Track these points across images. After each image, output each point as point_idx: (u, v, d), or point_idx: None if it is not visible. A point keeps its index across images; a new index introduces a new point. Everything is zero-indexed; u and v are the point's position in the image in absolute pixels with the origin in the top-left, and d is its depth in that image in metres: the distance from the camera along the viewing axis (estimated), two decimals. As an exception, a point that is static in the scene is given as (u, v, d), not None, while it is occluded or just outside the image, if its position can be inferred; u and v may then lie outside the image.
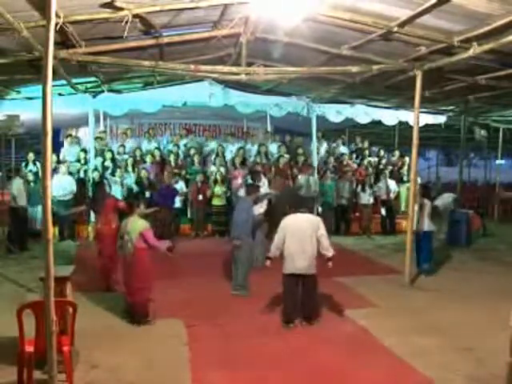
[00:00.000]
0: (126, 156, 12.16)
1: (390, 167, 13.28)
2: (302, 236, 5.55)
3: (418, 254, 8.10)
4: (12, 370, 4.16)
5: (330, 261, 5.63)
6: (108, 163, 11.58)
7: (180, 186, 11.21)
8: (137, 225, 5.65)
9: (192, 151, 12.32)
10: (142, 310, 5.71)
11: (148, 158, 12.00)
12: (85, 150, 12.02)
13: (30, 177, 10.49)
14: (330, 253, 5.61)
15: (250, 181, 11.10)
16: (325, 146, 14.00)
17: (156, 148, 12.48)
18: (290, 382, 4.41)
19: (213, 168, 11.92)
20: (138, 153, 12.20)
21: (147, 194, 11.08)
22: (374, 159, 13.96)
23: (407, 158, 13.65)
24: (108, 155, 11.72)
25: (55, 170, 10.73)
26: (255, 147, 13.00)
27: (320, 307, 5.99)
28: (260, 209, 8.32)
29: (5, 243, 9.60)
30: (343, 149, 14.31)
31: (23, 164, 11.61)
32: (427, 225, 8.10)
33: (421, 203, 8.02)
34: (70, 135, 12.93)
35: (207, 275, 7.84)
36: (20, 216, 9.91)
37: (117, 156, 12.10)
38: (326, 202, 12.00)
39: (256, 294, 6.79)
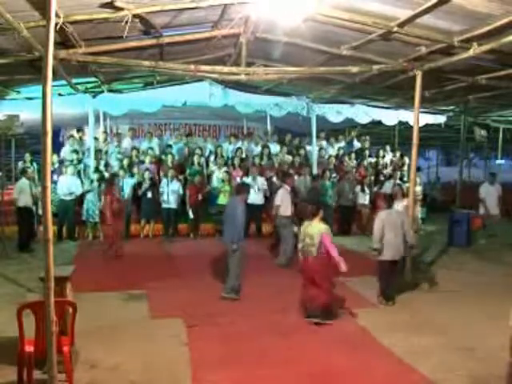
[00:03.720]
0: (120, 156, 12.06)
1: (399, 172, 13.23)
2: (394, 228, 6.41)
3: None
4: (12, 370, 4.16)
5: (413, 248, 6.80)
6: (103, 164, 11.52)
7: (177, 186, 11.16)
8: (319, 227, 5.77)
9: (194, 152, 12.28)
10: (320, 310, 5.76)
11: (147, 159, 11.93)
12: (76, 151, 11.91)
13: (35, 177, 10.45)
14: (412, 241, 6.60)
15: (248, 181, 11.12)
16: (324, 144, 13.96)
17: (150, 148, 12.37)
18: (289, 382, 4.41)
19: (222, 168, 11.83)
20: (134, 153, 12.10)
21: (149, 195, 11.07)
22: (373, 160, 13.93)
23: (406, 159, 13.63)
24: (103, 156, 11.69)
25: (54, 171, 10.70)
26: (258, 147, 12.98)
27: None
28: (287, 210, 8.74)
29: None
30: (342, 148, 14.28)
31: (19, 164, 11.55)
32: None
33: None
34: (72, 136, 12.83)
35: (207, 275, 7.84)
36: (25, 216, 9.89)
37: (112, 157, 12.04)
38: (325, 202, 11.94)
39: (256, 294, 6.79)
